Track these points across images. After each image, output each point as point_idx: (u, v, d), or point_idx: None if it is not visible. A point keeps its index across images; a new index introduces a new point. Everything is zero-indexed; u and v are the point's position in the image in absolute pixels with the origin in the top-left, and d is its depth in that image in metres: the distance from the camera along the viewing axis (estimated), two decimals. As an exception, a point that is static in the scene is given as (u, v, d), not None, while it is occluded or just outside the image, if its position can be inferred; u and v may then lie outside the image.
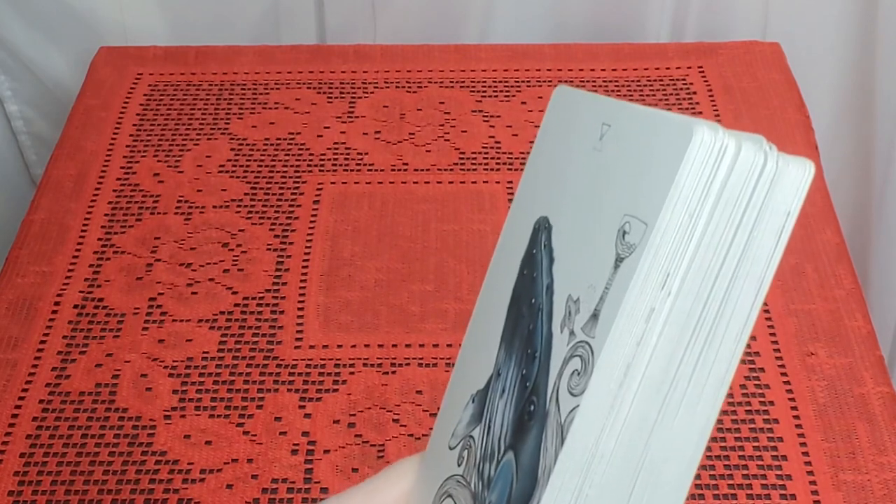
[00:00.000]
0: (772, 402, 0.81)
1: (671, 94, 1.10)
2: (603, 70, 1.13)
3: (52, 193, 1.00)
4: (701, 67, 1.13)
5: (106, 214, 0.98)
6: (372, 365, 0.85)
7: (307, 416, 0.82)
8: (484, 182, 1.01)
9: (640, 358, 0.34)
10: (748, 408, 0.81)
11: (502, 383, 0.40)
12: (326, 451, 0.79)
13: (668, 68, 1.13)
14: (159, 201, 0.99)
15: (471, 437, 0.41)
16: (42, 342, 0.87)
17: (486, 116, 1.08)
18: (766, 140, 0.34)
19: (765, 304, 0.90)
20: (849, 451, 0.78)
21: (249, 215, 0.98)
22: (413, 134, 1.06)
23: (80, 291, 0.91)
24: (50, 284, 0.91)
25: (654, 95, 1.10)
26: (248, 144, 1.05)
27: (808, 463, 0.77)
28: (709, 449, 0.79)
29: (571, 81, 1.12)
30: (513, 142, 1.05)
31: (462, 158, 1.04)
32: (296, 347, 0.87)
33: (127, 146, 1.05)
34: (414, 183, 1.01)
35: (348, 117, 1.08)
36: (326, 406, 0.82)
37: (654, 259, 0.33)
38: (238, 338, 0.87)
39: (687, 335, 0.34)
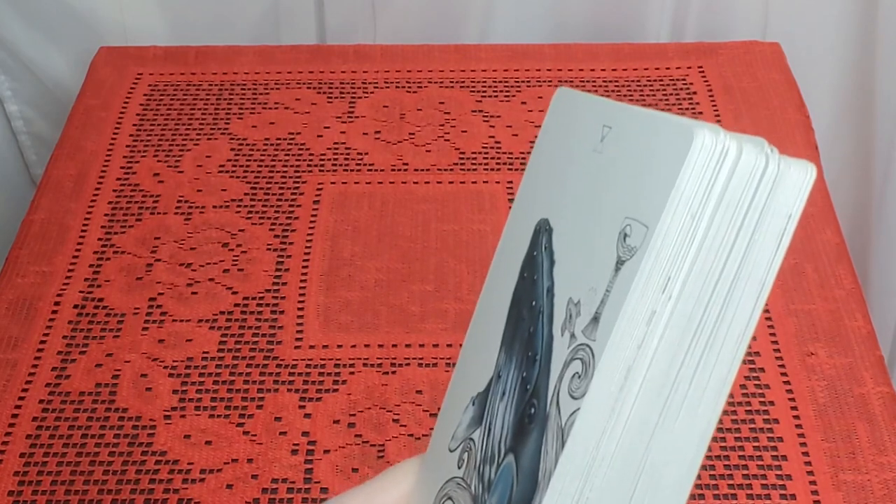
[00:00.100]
0: (772, 402, 0.81)
1: (671, 95, 1.10)
2: (603, 70, 1.13)
3: (52, 193, 1.00)
4: (701, 67, 1.13)
5: (106, 214, 0.98)
6: (372, 365, 0.85)
7: (307, 416, 0.82)
8: (484, 182, 1.01)
9: (641, 361, 0.34)
10: (748, 408, 0.81)
11: (503, 386, 0.40)
12: (326, 451, 0.79)
13: (668, 68, 1.13)
14: (159, 201, 0.99)
15: (471, 439, 0.41)
16: (42, 342, 0.87)
17: (486, 116, 1.08)
18: (767, 143, 0.34)
19: (765, 304, 0.90)
20: (849, 451, 0.78)
21: (249, 215, 0.98)
22: (413, 134, 1.06)
23: (80, 291, 0.91)
24: (50, 284, 0.91)
25: (654, 95, 1.10)
26: (248, 144, 1.05)
27: (808, 463, 0.77)
28: (709, 449, 0.78)
29: (571, 81, 1.12)
30: (513, 142, 1.05)
31: (462, 158, 1.04)
32: (296, 347, 0.87)
33: (127, 146, 1.05)
34: (414, 183, 1.01)
35: (348, 117, 1.08)
36: (326, 406, 0.82)
37: (656, 262, 0.33)
38: (238, 338, 0.87)
39: (688, 338, 0.34)
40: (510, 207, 0.43)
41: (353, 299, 0.90)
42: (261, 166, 1.03)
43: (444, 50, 1.16)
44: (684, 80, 1.11)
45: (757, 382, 0.83)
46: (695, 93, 1.10)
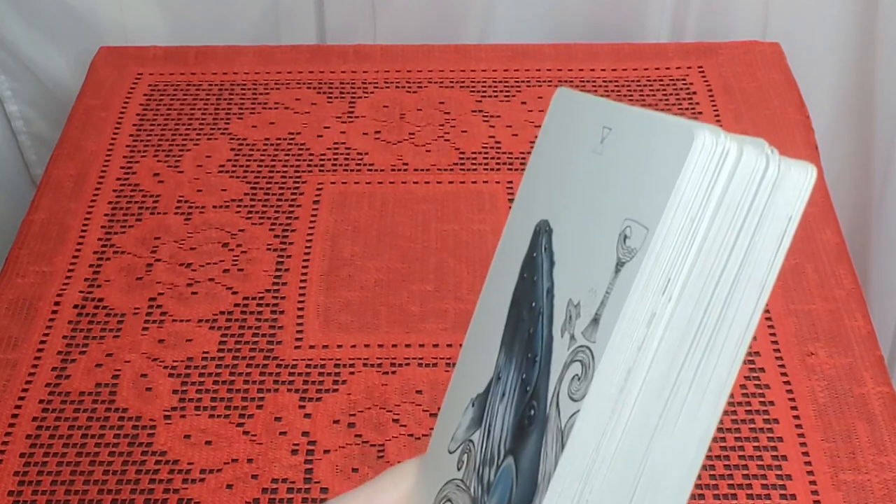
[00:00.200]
0: (772, 402, 0.81)
1: (671, 95, 1.10)
2: (603, 70, 1.13)
3: (52, 193, 1.00)
4: (701, 67, 1.13)
5: (106, 214, 0.98)
6: (372, 365, 0.85)
7: (307, 416, 0.82)
8: (484, 182, 1.01)
9: (641, 363, 0.34)
10: (748, 408, 0.81)
11: (502, 387, 0.40)
12: (326, 451, 0.79)
13: (668, 68, 1.13)
14: (159, 201, 0.99)
15: (470, 441, 0.41)
16: (42, 342, 0.87)
17: (486, 116, 1.08)
18: (767, 144, 0.34)
19: (765, 306, 0.90)
20: (849, 451, 0.78)
21: (249, 215, 0.98)
22: (413, 134, 1.06)
23: (80, 291, 0.91)
24: (50, 284, 0.91)
25: (654, 95, 1.10)
26: (248, 144, 1.05)
27: (808, 463, 0.77)
28: (709, 449, 0.79)
29: (571, 81, 1.12)
30: (513, 142, 1.05)
31: (462, 158, 1.04)
32: (296, 347, 0.87)
33: (127, 146, 1.05)
34: (414, 183, 1.01)
35: (348, 117, 1.08)
36: (326, 406, 0.82)
37: (656, 264, 0.33)
38: (238, 338, 0.87)
39: (688, 340, 0.34)
40: (510, 207, 0.43)
41: (353, 299, 0.90)
42: (261, 166, 1.03)
43: (444, 50, 1.16)
44: (684, 80, 1.11)
45: (757, 382, 0.83)
46: (695, 93, 1.10)
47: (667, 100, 1.09)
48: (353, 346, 0.87)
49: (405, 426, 0.81)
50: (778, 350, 0.85)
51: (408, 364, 0.85)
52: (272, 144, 1.05)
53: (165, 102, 1.10)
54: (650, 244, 0.33)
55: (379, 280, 0.92)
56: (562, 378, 0.35)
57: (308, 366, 0.85)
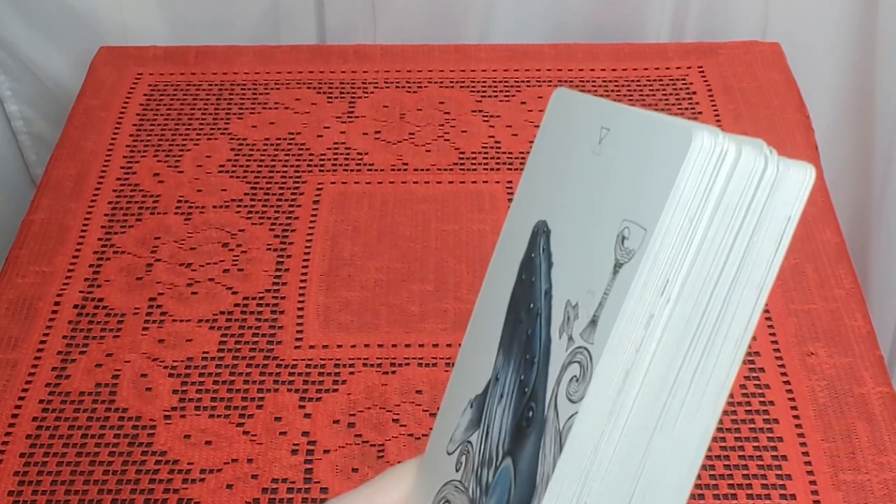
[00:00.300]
0: (772, 402, 0.81)
1: (671, 95, 1.10)
2: (603, 70, 1.13)
3: (52, 193, 1.00)
4: (701, 67, 1.13)
5: (106, 214, 0.98)
6: (372, 365, 0.85)
7: (307, 416, 0.82)
8: (484, 182, 1.01)
9: (640, 364, 0.34)
10: (748, 408, 0.81)
11: (500, 389, 0.40)
12: (326, 451, 0.79)
13: (668, 68, 1.13)
14: (159, 201, 0.99)
15: (469, 442, 0.41)
16: (42, 342, 0.87)
17: (486, 116, 1.08)
18: (766, 144, 0.34)
19: (764, 306, 0.90)
20: (849, 451, 0.78)
21: (249, 215, 0.98)
22: (413, 134, 1.06)
23: (80, 291, 0.91)
24: (50, 284, 0.91)
25: (654, 95, 1.10)
26: (248, 144, 1.05)
27: (808, 463, 0.77)
28: (709, 449, 0.79)
29: (571, 81, 1.12)
30: (513, 142, 1.05)
31: (462, 158, 1.04)
32: (296, 347, 0.87)
33: (127, 146, 1.05)
34: (414, 183, 1.01)
35: (348, 117, 1.08)
36: (326, 406, 0.82)
37: (654, 265, 0.33)
38: (238, 338, 0.87)
39: (686, 342, 0.34)
40: (510, 207, 0.43)
41: (353, 299, 0.90)
42: (261, 166, 1.03)
43: (444, 50, 1.16)
44: (684, 80, 1.11)
45: (757, 382, 0.83)
46: (695, 93, 1.10)
47: (667, 100, 1.09)
48: (353, 346, 0.87)
49: (405, 426, 0.81)
50: (778, 350, 0.85)
51: (408, 364, 0.85)
52: (272, 144, 1.05)
53: (165, 102, 1.10)
54: (648, 245, 0.33)
55: (379, 280, 0.92)
56: (560, 379, 0.35)
57: (308, 366, 0.85)
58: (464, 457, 0.41)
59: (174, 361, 0.85)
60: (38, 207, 0.99)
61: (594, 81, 1.12)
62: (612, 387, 0.34)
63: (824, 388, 0.82)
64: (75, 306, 0.90)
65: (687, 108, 1.08)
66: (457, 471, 0.41)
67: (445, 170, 1.03)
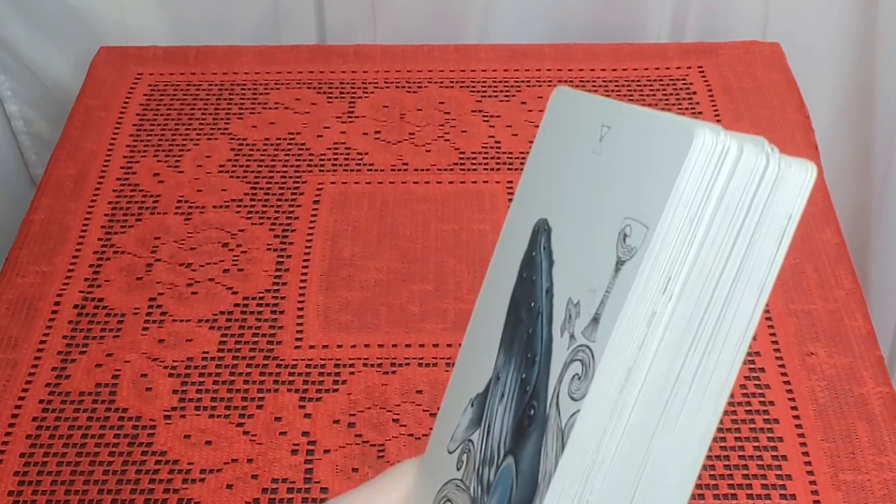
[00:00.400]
0: (772, 402, 0.81)
1: (671, 94, 1.10)
2: (603, 70, 1.13)
3: (52, 193, 1.00)
4: (701, 67, 1.13)
5: (106, 214, 0.98)
6: (372, 365, 0.85)
7: (307, 416, 0.82)
8: (484, 182, 1.01)
9: (642, 363, 0.34)
10: (748, 408, 0.81)
11: (501, 387, 0.39)
12: (326, 451, 0.79)
13: (668, 68, 1.13)
14: (159, 201, 0.99)
15: (470, 441, 0.41)
16: (42, 342, 0.87)
17: (486, 116, 1.08)
18: (767, 142, 0.34)
19: (765, 305, 0.90)
20: (849, 451, 0.78)
21: (249, 215, 0.98)
22: (413, 134, 1.06)
23: (80, 291, 0.91)
24: (50, 284, 0.91)
25: (654, 95, 1.10)
26: (248, 144, 1.05)
27: (808, 463, 0.77)
28: (709, 449, 0.79)
29: (571, 81, 1.12)
30: (513, 142, 1.05)
31: (462, 158, 1.04)
32: (296, 347, 0.87)
33: (127, 146, 1.05)
34: (414, 183, 1.01)
35: (348, 117, 1.08)
36: (326, 406, 0.82)
37: (656, 263, 0.33)
38: (238, 338, 0.87)
39: (688, 340, 0.34)
40: (509, 209, 0.43)
41: (353, 299, 0.90)
42: (261, 166, 1.03)
43: (444, 50, 1.16)
44: (684, 80, 1.11)
45: (757, 382, 0.83)
46: (695, 93, 1.10)
47: (667, 100, 1.09)
48: (353, 346, 0.87)
49: (405, 426, 0.81)
50: (778, 350, 0.85)
51: (408, 364, 0.85)
52: (272, 144, 1.05)
53: (165, 102, 1.10)
54: (650, 243, 0.33)
55: (379, 280, 0.92)
56: (562, 378, 0.35)
57: (308, 366, 0.85)
58: (465, 455, 0.41)
59: (174, 361, 0.85)
60: (38, 207, 0.99)
61: (594, 81, 1.12)
62: (614, 385, 0.34)
63: (824, 388, 0.82)
64: (75, 306, 0.90)
65: (687, 108, 1.08)
66: (458, 469, 0.41)
67: (445, 170, 1.03)
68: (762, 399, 0.82)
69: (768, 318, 0.87)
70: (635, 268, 0.33)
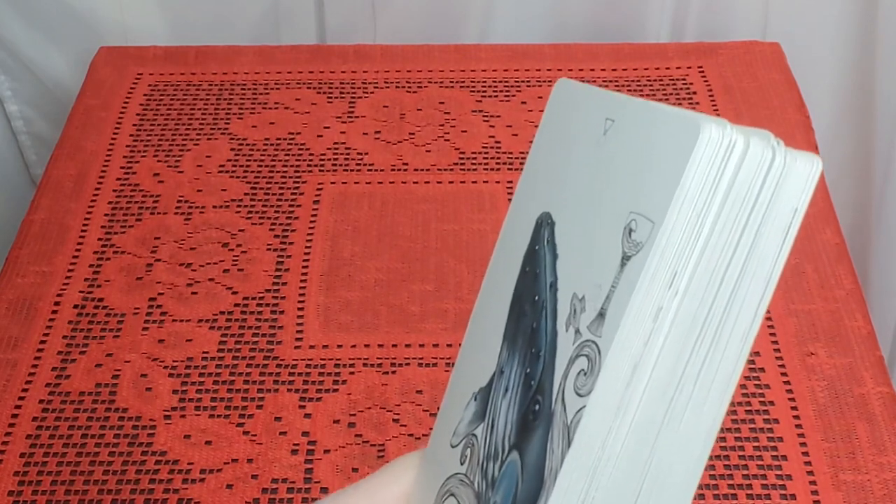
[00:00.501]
0: (772, 402, 0.81)
1: (671, 94, 1.10)
2: (603, 70, 1.13)
3: (52, 193, 1.00)
4: (701, 67, 1.13)
5: (106, 214, 0.98)
6: (372, 365, 0.85)
7: (307, 416, 0.82)
8: (484, 182, 1.01)
9: (648, 358, 0.33)
10: (748, 408, 0.81)
11: (505, 382, 0.39)
12: (326, 451, 0.79)
13: (668, 68, 1.13)
14: (159, 201, 0.99)
15: (473, 435, 0.41)
16: (42, 342, 0.87)
17: (486, 116, 1.08)
18: (773, 135, 0.33)
19: (770, 299, 0.90)
20: (849, 451, 0.78)
21: (249, 215, 0.98)
22: (413, 134, 1.06)
23: (80, 291, 0.91)
24: (50, 284, 0.91)
25: (654, 95, 1.10)
26: (248, 144, 1.05)
27: (808, 463, 0.77)
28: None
29: (571, 81, 1.12)
30: (513, 142, 1.05)
31: (462, 158, 1.04)
32: (296, 347, 0.87)
33: (127, 146, 1.05)
34: (414, 183, 1.01)
35: (348, 117, 1.08)
36: (326, 406, 0.82)
37: (662, 258, 0.33)
38: (238, 338, 0.87)
39: (694, 335, 0.34)
40: (511, 202, 0.43)
41: (353, 299, 0.90)
42: (261, 166, 1.03)
43: (444, 50, 1.16)
44: (684, 80, 1.11)
45: (757, 382, 0.83)
46: (695, 93, 1.10)
47: (667, 100, 1.09)
48: (353, 346, 0.87)
49: (405, 426, 0.81)
50: (778, 350, 0.85)
51: (408, 364, 0.85)
52: (272, 144, 1.05)
53: (165, 102, 1.10)
54: (656, 238, 0.33)
55: (379, 280, 0.92)
56: (567, 373, 0.35)
57: (308, 366, 0.85)
58: (468, 450, 0.41)
59: (174, 361, 0.85)
60: (38, 207, 0.99)
61: (594, 81, 1.12)
62: (620, 380, 0.33)
63: (824, 388, 0.82)
64: (75, 306, 0.90)
65: (687, 108, 1.08)
66: (461, 464, 0.41)
67: (445, 170, 1.03)
68: (762, 399, 0.81)
69: (768, 318, 0.87)
70: (641, 263, 0.33)
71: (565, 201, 0.38)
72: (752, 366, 0.84)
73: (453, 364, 0.44)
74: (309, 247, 0.95)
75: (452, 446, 0.42)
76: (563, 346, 0.36)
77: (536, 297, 0.38)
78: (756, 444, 0.79)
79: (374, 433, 0.80)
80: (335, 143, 1.05)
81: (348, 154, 1.04)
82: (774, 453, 0.78)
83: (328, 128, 1.07)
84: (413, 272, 0.93)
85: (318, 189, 1.00)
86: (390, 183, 1.01)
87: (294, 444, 0.80)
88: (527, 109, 1.08)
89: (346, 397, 0.83)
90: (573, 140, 0.39)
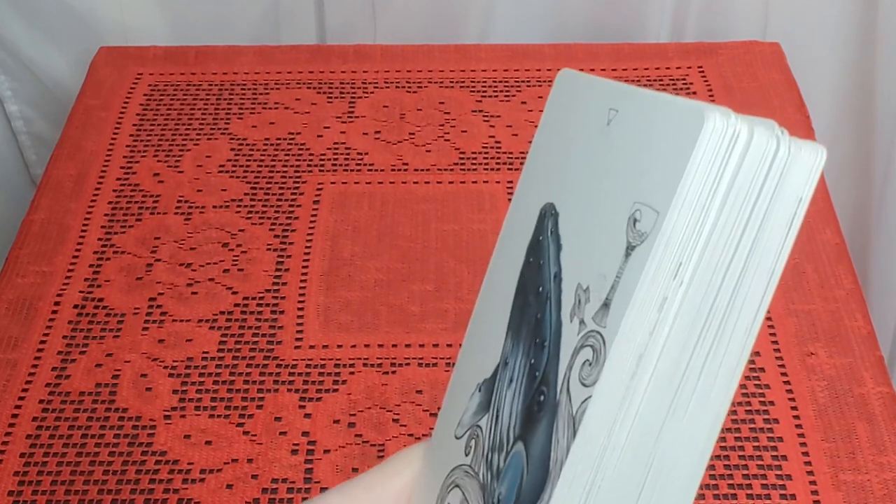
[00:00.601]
0: (772, 402, 0.81)
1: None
2: (603, 70, 1.13)
3: (52, 193, 1.00)
4: (701, 67, 1.13)
5: (106, 214, 0.98)
6: (372, 365, 0.85)
7: (307, 416, 0.82)
8: (484, 182, 1.01)
9: (653, 348, 0.33)
10: (748, 408, 0.81)
11: (510, 373, 0.39)
12: (326, 451, 0.79)
13: (668, 68, 1.13)
14: (159, 201, 0.99)
15: (478, 426, 0.41)
16: (42, 342, 0.87)
17: (486, 116, 1.08)
18: (777, 125, 0.33)
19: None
20: (849, 451, 0.78)
21: (249, 215, 0.98)
22: (413, 134, 1.06)
23: (80, 291, 0.91)
24: (50, 284, 0.91)
25: (654, 95, 1.10)
26: (248, 144, 1.05)
27: (808, 463, 0.77)
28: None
29: (571, 81, 1.12)
30: (513, 142, 1.05)
31: (462, 158, 1.04)
32: (296, 347, 0.87)
33: (127, 146, 1.05)
34: (414, 183, 1.01)
35: (348, 117, 1.08)
36: (326, 406, 0.82)
37: (667, 248, 0.33)
38: (238, 338, 0.87)
39: (699, 326, 0.34)
40: (514, 193, 0.43)
41: (353, 299, 0.90)
42: (261, 166, 1.03)
43: (444, 50, 1.16)
44: (684, 80, 1.11)
45: (757, 382, 0.83)
46: (695, 93, 1.10)
47: (667, 100, 1.09)
48: (353, 346, 0.87)
49: (405, 426, 0.81)
50: (778, 350, 0.85)
51: (408, 364, 0.85)
52: (272, 144, 1.05)
53: (165, 102, 1.10)
54: (661, 227, 0.33)
55: (379, 280, 0.92)
56: (572, 364, 0.35)
57: (308, 366, 0.85)
58: (473, 441, 0.41)
59: (174, 361, 0.85)
60: (38, 207, 0.99)
61: (594, 81, 1.11)
62: (625, 371, 0.33)
63: (824, 388, 0.82)
64: (75, 306, 0.90)
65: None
66: (466, 455, 0.41)
67: (445, 170, 1.03)
68: (762, 399, 0.82)
69: (768, 318, 0.87)
70: (646, 253, 0.33)
71: (569, 192, 0.38)
72: (753, 366, 0.84)
73: (453, 364, 0.44)
74: (309, 247, 0.95)
75: (457, 437, 0.42)
76: (568, 336, 0.36)
77: (541, 288, 0.38)
78: (756, 444, 0.79)
79: (374, 433, 0.80)
80: (335, 143, 1.05)
81: (348, 154, 1.04)
82: (774, 453, 0.78)
83: (328, 128, 1.07)
84: (413, 272, 0.93)
85: (318, 189, 1.00)
86: (390, 183, 1.01)
87: (294, 444, 0.80)
88: (527, 109, 1.08)
89: (346, 397, 0.83)
90: (576, 131, 0.39)
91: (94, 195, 1.00)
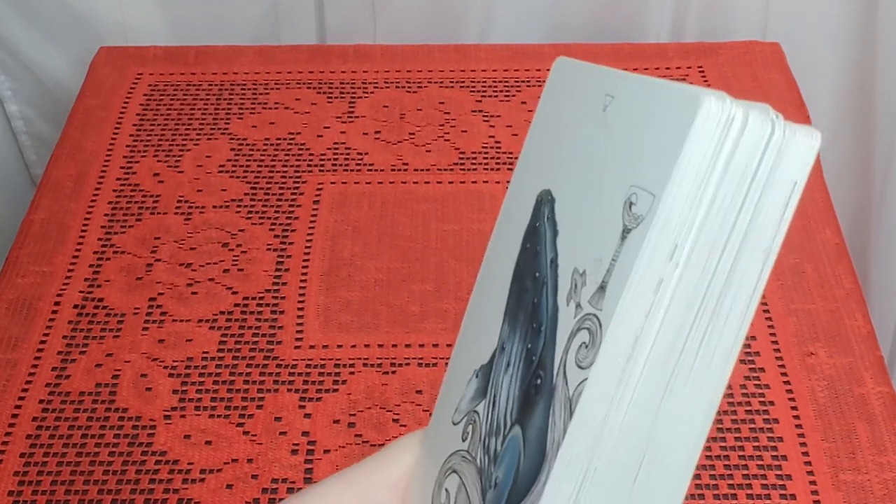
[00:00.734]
0: (772, 402, 0.81)
1: (671, 94, 1.10)
2: (603, 70, 1.13)
3: (52, 193, 1.00)
4: (701, 67, 1.13)
5: (106, 214, 0.98)
6: (372, 365, 0.85)
7: (307, 416, 0.82)
8: (484, 182, 1.01)
9: (649, 330, 0.33)
10: (748, 408, 0.81)
11: (507, 358, 0.39)
12: (326, 451, 0.79)
13: (668, 68, 1.13)
14: (159, 201, 0.99)
15: (475, 412, 0.41)
16: (42, 342, 0.87)
17: (486, 116, 1.08)
18: (772, 109, 0.34)
19: (764, 303, 0.90)
20: (849, 451, 0.78)
21: (249, 215, 0.98)
22: (413, 134, 1.06)
23: (80, 291, 0.91)
24: (50, 284, 0.91)
25: (654, 95, 1.10)
26: (248, 144, 1.05)
27: (808, 463, 0.77)
28: (708, 449, 0.79)
29: (571, 81, 1.12)
30: (513, 142, 1.05)
31: (462, 158, 1.04)
32: (296, 347, 0.87)
33: (127, 146, 1.05)
34: (414, 183, 1.01)
35: (348, 117, 1.08)
36: (326, 406, 0.82)
37: (662, 230, 0.33)
38: (238, 338, 0.87)
39: (694, 308, 0.34)
40: (511, 180, 0.43)
41: (353, 299, 0.90)
42: (261, 166, 1.03)
43: (444, 50, 1.16)
44: (684, 80, 1.11)
45: (757, 382, 0.83)
46: (695, 93, 1.10)
47: (667, 100, 1.09)
48: (353, 346, 0.87)
49: (405, 426, 0.81)
50: (778, 350, 0.85)
51: (408, 364, 0.85)
52: (272, 144, 1.05)
53: (165, 102, 1.10)
54: (657, 210, 0.33)
55: (379, 280, 0.92)
56: (568, 347, 0.35)
57: (308, 366, 0.85)
58: (470, 427, 0.41)
59: (174, 361, 0.85)
60: (38, 207, 0.99)
61: (594, 81, 1.12)
62: (621, 353, 0.33)
63: (824, 388, 0.82)
64: (75, 306, 0.90)
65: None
66: (463, 441, 0.41)
67: (445, 170, 1.03)
68: (762, 399, 0.82)
69: (768, 318, 0.87)
70: (642, 235, 0.33)
71: (565, 178, 0.38)
72: (753, 366, 0.84)
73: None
74: (309, 247, 0.95)
75: (454, 423, 0.42)
76: (564, 320, 0.36)
77: (537, 274, 0.38)
78: (756, 444, 0.79)
79: (374, 433, 0.80)
80: (335, 143, 1.05)
81: (348, 154, 1.04)
82: (774, 453, 0.78)
83: (328, 128, 1.07)
84: (413, 272, 0.93)
85: (318, 189, 1.00)
86: (390, 183, 1.01)
87: (294, 444, 0.80)
88: (527, 109, 1.08)
89: (346, 397, 0.83)
90: (572, 117, 0.39)
91: (94, 195, 1.00)
